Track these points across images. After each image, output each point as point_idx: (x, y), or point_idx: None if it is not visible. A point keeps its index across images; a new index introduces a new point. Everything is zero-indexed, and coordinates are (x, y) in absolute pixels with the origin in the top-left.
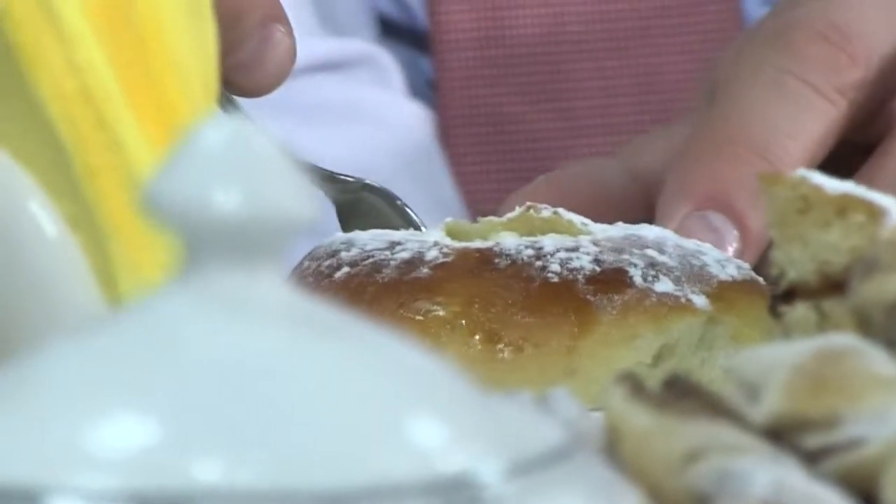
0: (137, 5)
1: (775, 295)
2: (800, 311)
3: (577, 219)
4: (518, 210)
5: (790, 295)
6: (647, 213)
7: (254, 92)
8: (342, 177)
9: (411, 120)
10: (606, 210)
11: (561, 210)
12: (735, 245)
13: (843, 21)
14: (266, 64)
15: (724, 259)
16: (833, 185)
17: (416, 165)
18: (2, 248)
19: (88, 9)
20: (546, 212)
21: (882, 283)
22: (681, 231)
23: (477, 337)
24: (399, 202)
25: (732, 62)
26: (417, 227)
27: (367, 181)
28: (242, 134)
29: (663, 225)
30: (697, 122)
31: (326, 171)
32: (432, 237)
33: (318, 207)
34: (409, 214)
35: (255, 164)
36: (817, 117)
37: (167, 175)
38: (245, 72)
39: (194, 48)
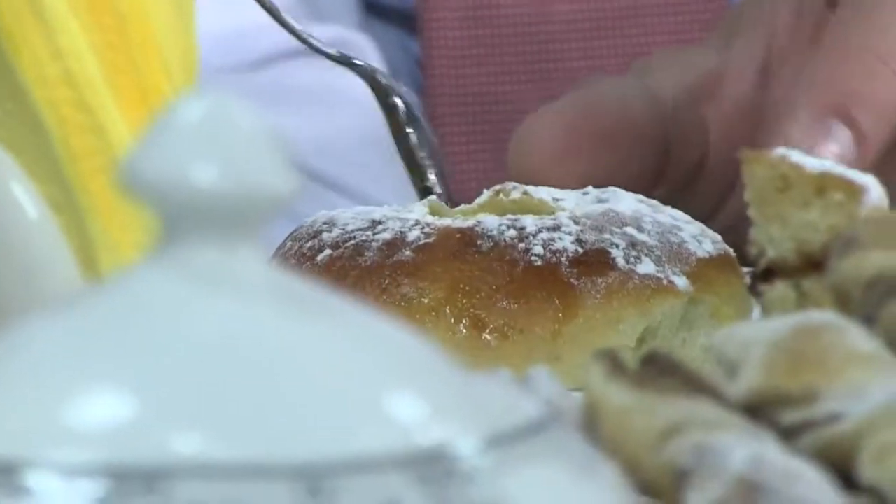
0: None
1: (755, 274)
2: (779, 289)
3: (547, 195)
4: (487, 194)
5: (770, 273)
6: (664, 139)
7: None
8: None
9: None
10: (629, 134)
11: (530, 188)
12: (852, 160)
13: None
14: None
15: (699, 233)
16: (813, 163)
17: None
18: None
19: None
20: (516, 192)
21: (860, 260)
22: (804, 135)
23: (462, 324)
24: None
25: None
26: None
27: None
28: (221, 109)
29: (787, 127)
30: (834, 26)
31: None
32: (414, 215)
33: (297, 183)
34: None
35: (234, 138)
36: None
37: (144, 150)
38: None
39: (176, 32)
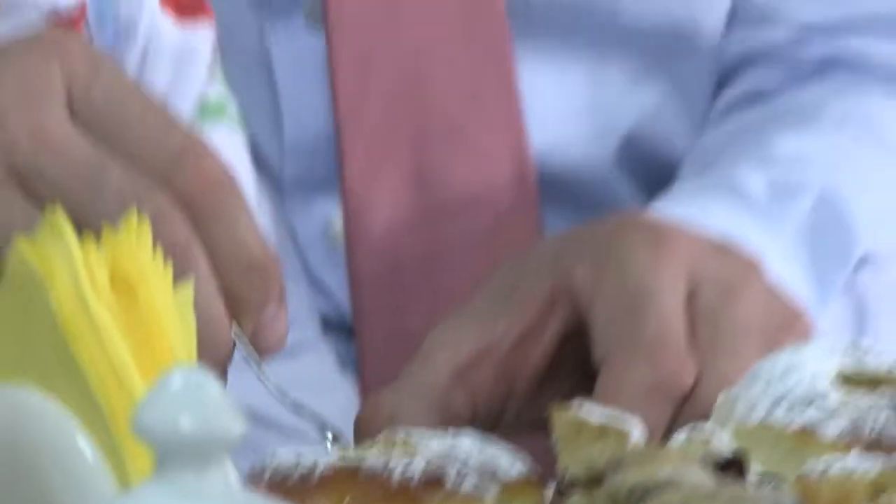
0: (145, 311)
1: (559, 487)
2: (575, 498)
3: (418, 438)
4: (381, 437)
5: (569, 486)
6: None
7: (274, 346)
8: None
9: (342, 386)
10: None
11: (410, 434)
12: None
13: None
14: (282, 324)
15: (513, 459)
16: (597, 413)
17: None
18: (60, 472)
19: (114, 312)
20: (400, 436)
21: (624, 477)
22: None
23: None
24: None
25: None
26: None
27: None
28: (196, 378)
29: None
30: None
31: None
32: (328, 458)
33: (247, 428)
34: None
35: (205, 399)
36: None
37: (146, 406)
38: (268, 329)
39: (182, 338)
